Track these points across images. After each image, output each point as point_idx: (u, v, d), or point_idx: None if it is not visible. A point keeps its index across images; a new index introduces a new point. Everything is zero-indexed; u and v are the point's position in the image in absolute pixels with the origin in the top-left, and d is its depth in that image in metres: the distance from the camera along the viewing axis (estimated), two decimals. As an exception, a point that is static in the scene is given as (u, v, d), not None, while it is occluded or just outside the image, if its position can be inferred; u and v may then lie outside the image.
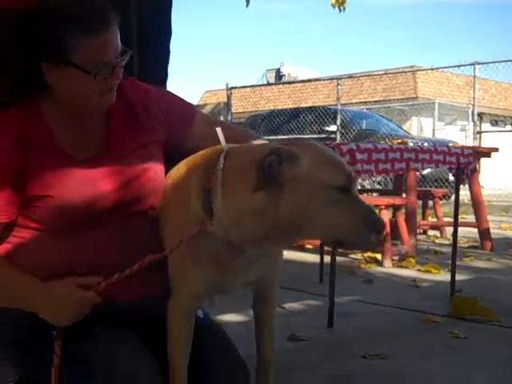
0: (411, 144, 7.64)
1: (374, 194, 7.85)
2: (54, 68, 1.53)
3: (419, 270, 4.61)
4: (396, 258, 5.00)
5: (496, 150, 5.31)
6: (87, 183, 1.59)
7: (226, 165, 1.46)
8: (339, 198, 1.36)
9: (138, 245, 1.60)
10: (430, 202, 7.03)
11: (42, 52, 1.52)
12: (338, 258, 3.38)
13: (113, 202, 1.62)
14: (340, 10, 7.77)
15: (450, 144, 6.93)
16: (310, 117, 12.28)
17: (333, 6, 7.75)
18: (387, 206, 4.95)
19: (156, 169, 1.72)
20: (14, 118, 1.58)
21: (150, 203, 1.72)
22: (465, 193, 6.98)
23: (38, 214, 1.57)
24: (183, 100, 1.89)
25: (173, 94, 1.86)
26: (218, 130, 1.60)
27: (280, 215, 1.37)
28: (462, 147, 4.37)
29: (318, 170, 1.38)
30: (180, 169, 1.66)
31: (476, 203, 5.77)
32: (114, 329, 1.59)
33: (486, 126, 19.02)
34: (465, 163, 3.78)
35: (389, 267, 4.79)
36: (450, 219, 6.75)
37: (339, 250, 3.86)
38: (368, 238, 1.37)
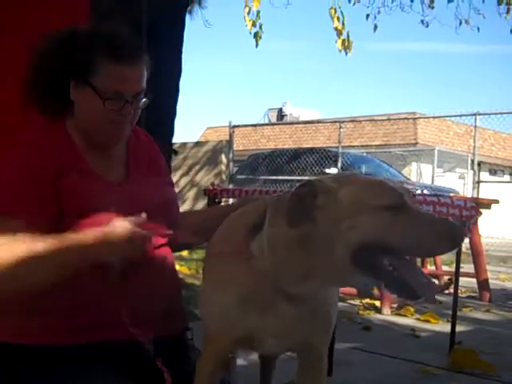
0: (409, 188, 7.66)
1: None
2: (78, 86, 1.61)
3: (418, 319, 4.59)
4: (395, 305, 4.97)
5: (497, 201, 5.32)
6: (111, 203, 1.61)
7: (279, 200, 1.42)
8: (393, 217, 1.26)
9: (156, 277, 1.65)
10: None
11: (71, 68, 1.61)
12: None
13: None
14: (346, 53, 7.89)
15: (452, 194, 6.95)
16: (311, 158, 12.33)
17: (339, 49, 7.87)
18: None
19: (174, 202, 1.81)
20: (41, 136, 1.64)
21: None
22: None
23: (75, 228, 1.57)
24: None
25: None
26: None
27: (322, 246, 1.31)
28: (465, 199, 4.38)
29: (360, 194, 1.30)
30: (234, 215, 1.65)
31: (475, 254, 5.77)
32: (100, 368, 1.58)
33: (484, 175, 19.10)
34: (467, 216, 3.78)
35: (387, 315, 4.76)
36: (449, 268, 6.76)
37: (339, 295, 3.84)
38: (442, 247, 1.26)
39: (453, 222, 1.28)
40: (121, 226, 1.50)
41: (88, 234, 1.50)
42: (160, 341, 1.67)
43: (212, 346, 1.51)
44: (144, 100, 1.65)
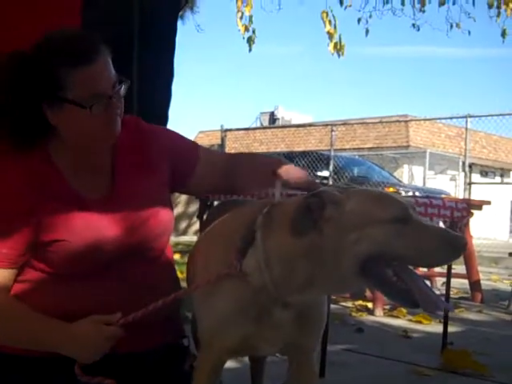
0: (403, 193, 7.70)
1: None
2: (53, 107, 1.53)
3: (410, 320, 4.60)
4: (387, 306, 4.98)
5: (488, 203, 5.35)
6: (94, 227, 1.59)
7: (271, 211, 1.43)
8: (399, 229, 1.29)
9: (147, 292, 1.59)
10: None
11: (38, 93, 1.53)
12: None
13: (118, 248, 1.61)
14: (339, 56, 7.92)
15: (444, 196, 6.98)
16: (303, 161, 12.35)
17: (331, 52, 7.89)
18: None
19: (165, 211, 1.71)
20: (19, 164, 1.57)
21: (159, 246, 1.72)
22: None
23: (51, 258, 1.57)
24: (187, 139, 1.90)
25: (177, 134, 1.86)
26: (277, 183, 1.60)
27: (328, 257, 1.32)
28: (456, 201, 4.40)
29: (368, 207, 1.33)
30: (224, 219, 1.61)
31: (467, 255, 5.79)
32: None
33: (475, 177, 19.17)
34: (458, 217, 3.79)
35: (380, 316, 4.77)
36: (440, 269, 6.78)
37: (332, 298, 3.85)
38: (445, 257, 1.32)
39: (455, 234, 1.33)
40: (96, 330, 1.51)
41: (65, 333, 1.53)
42: (156, 349, 1.67)
43: (208, 356, 1.52)
44: (123, 87, 1.58)
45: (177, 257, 6.90)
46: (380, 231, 1.29)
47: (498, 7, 7.78)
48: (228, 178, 1.80)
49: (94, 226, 1.58)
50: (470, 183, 11.50)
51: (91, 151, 1.63)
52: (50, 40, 1.55)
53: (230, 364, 2.97)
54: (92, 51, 1.52)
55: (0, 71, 1.57)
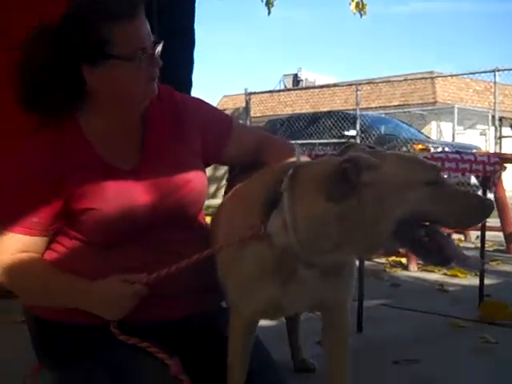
0: (432, 149, 7.61)
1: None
2: (96, 67, 1.53)
3: (445, 274, 4.58)
4: (421, 261, 4.95)
5: (521, 155, 5.26)
6: (126, 196, 1.59)
7: (297, 173, 1.42)
8: (434, 192, 1.33)
9: (180, 258, 1.58)
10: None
11: (80, 55, 1.52)
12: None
13: (151, 216, 1.61)
14: (361, 15, 7.79)
15: (475, 150, 6.86)
16: (329, 122, 12.26)
17: (353, 12, 7.76)
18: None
19: (197, 179, 1.71)
20: (48, 137, 1.59)
21: (191, 214, 1.72)
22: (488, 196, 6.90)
23: (83, 226, 1.58)
24: (220, 111, 1.90)
25: (209, 105, 1.85)
26: (297, 148, 1.61)
27: (364, 221, 1.32)
28: (488, 155, 4.32)
29: (403, 170, 1.35)
30: (246, 182, 1.61)
31: (501, 207, 5.72)
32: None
33: (505, 130, 18.87)
34: (491, 172, 3.71)
35: (414, 271, 4.76)
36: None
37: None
38: (475, 218, 1.37)
39: (482, 196, 1.41)
40: (122, 290, 1.53)
41: (91, 289, 1.55)
42: (194, 316, 1.67)
43: (239, 320, 1.54)
44: (158, 45, 1.58)
45: (208, 220, 6.97)
46: (416, 194, 1.31)
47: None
48: (253, 162, 1.80)
49: (125, 194, 1.59)
50: (501, 137, 11.35)
51: (126, 113, 1.62)
52: (89, 0, 1.56)
53: (266, 321, 3.00)
54: (134, 7, 1.53)
55: (37, 39, 1.58)
